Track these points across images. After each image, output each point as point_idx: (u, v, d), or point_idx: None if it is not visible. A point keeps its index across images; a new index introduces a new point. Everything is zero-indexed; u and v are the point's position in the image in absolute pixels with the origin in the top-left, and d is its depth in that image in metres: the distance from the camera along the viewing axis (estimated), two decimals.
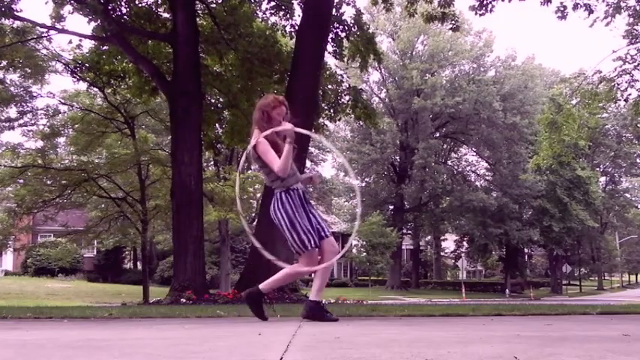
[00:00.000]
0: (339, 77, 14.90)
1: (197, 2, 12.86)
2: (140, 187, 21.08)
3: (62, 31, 12.99)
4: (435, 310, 5.44)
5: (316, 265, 4.09)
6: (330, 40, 12.92)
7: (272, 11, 14.08)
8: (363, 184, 46.67)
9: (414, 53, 42.03)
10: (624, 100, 18.62)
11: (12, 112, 20.41)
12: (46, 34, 15.12)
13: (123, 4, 13.22)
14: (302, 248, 4.02)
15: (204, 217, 12.55)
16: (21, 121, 20.59)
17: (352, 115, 14.87)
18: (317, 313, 4.11)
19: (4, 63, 15.69)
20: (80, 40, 14.76)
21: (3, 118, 20.39)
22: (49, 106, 21.18)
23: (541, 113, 24.33)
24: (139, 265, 34.70)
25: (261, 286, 4.16)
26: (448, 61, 41.06)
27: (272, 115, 4.12)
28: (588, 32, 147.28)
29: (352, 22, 13.55)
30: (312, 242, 4.01)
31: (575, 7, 14.11)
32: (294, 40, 12.97)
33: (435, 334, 3.19)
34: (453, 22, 14.19)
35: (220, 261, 29.55)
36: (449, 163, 46.10)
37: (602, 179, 50.58)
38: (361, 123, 19.64)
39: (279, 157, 3.98)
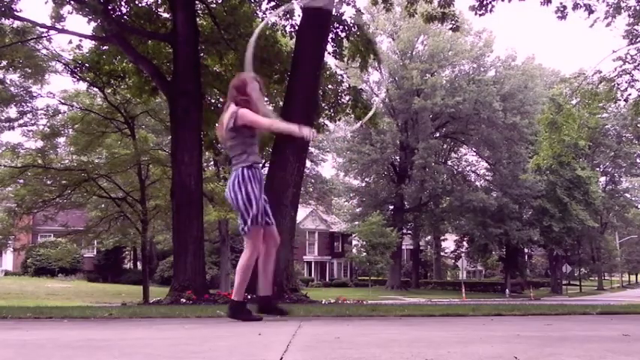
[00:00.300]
0: (339, 77, 14.89)
1: (197, 2, 12.85)
2: (140, 187, 21.09)
3: (62, 31, 12.99)
4: (435, 310, 5.44)
5: (261, 246, 4.10)
6: (330, 40, 12.91)
7: (272, 11, 14.07)
8: (363, 184, 46.69)
9: (414, 53, 42.04)
10: (624, 100, 18.62)
11: (12, 112, 20.43)
12: (46, 34, 15.12)
13: (123, 4, 13.20)
14: (253, 223, 4.02)
15: (204, 217, 12.54)
16: (21, 121, 20.60)
17: (352, 115, 14.86)
18: (239, 313, 4.08)
19: (4, 63, 15.68)
20: (80, 40, 14.76)
21: (3, 118, 20.39)
22: (49, 106, 21.22)
23: (541, 113, 24.33)
24: (139, 265, 34.71)
25: (233, 296, 4.16)
26: (448, 61, 41.07)
27: (247, 90, 4.22)
28: (588, 32, 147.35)
29: (352, 22, 13.54)
30: (262, 220, 4.03)
31: (575, 7, 14.11)
32: (294, 40, 12.97)
33: (435, 334, 3.19)
34: (453, 22, 14.17)
35: (220, 261, 29.58)
36: (449, 163, 46.11)
37: (602, 179, 50.60)
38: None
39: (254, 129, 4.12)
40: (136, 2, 13.54)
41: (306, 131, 4.01)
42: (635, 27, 16.05)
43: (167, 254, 33.36)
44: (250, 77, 4.30)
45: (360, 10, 13.87)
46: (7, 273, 34.96)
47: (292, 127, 4.05)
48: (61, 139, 22.16)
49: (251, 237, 4.08)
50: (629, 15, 15.80)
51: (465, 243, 49.16)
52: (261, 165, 4.22)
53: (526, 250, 51.21)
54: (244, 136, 4.15)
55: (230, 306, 4.18)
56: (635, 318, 4.89)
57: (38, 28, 13.31)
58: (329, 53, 13.46)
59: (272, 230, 4.21)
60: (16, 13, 11.43)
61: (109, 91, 17.99)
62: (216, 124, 4.37)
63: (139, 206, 21.21)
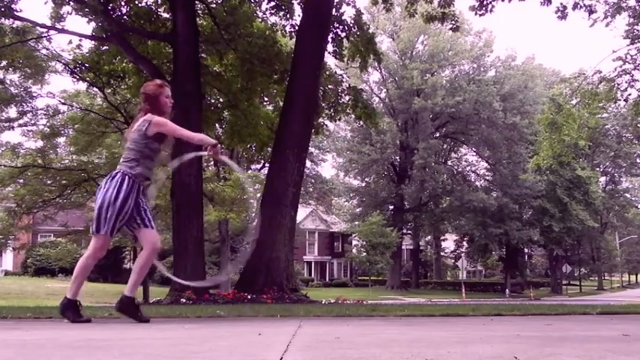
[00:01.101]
0: (339, 77, 14.89)
1: (197, 2, 12.85)
2: None
3: (62, 31, 12.99)
4: (435, 310, 5.44)
5: (102, 253, 4.01)
6: (330, 40, 12.91)
7: (272, 11, 14.08)
8: (363, 184, 46.70)
9: (414, 53, 42.05)
10: (624, 100, 18.64)
11: (12, 112, 20.42)
12: (46, 34, 15.11)
13: (123, 4, 13.21)
14: (99, 228, 3.88)
15: (204, 217, 12.54)
16: (21, 121, 20.58)
17: (352, 115, 14.86)
18: (129, 309, 4.05)
19: (4, 63, 15.68)
20: (80, 40, 14.76)
21: (3, 118, 20.39)
22: (49, 106, 21.19)
23: (541, 113, 24.33)
24: None
25: (69, 296, 4.01)
26: (448, 61, 41.08)
27: (160, 99, 4.23)
28: (588, 32, 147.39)
29: (352, 22, 13.54)
30: (109, 230, 3.87)
31: (575, 7, 14.12)
32: (294, 40, 12.97)
33: (435, 334, 3.19)
34: (453, 22, 14.18)
35: (220, 261, 29.56)
36: (449, 163, 46.12)
37: (602, 179, 50.61)
38: (361, 123, 19.63)
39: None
40: (136, 2, 13.53)
41: (219, 151, 4.10)
42: (635, 27, 16.06)
43: (167, 254, 33.36)
44: (160, 83, 4.33)
45: (360, 10, 13.85)
46: (7, 273, 34.95)
47: (203, 137, 4.15)
48: (61, 139, 22.17)
49: (97, 241, 3.97)
50: (629, 15, 15.81)
51: (465, 243, 49.18)
52: (143, 183, 4.04)
53: (526, 250, 51.23)
54: (147, 146, 4.02)
55: (122, 301, 4.06)
56: (635, 318, 4.89)
57: (38, 28, 13.31)
58: (329, 53, 13.46)
59: (151, 233, 4.01)
60: (16, 13, 11.43)
61: (109, 91, 17.98)
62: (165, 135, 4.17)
63: None
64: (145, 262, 4.08)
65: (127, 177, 3.94)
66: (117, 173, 3.97)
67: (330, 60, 15.73)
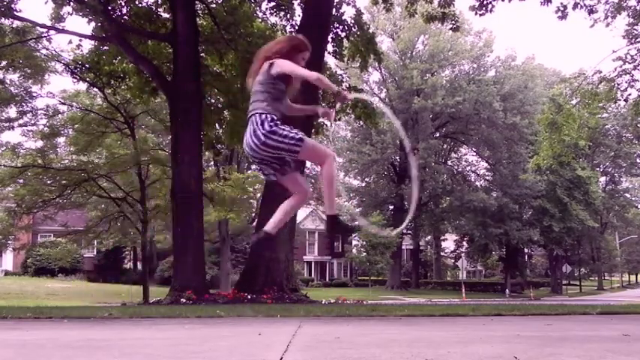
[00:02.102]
0: (339, 77, 14.90)
1: (197, 2, 12.85)
2: (140, 187, 21.08)
3: (62, 31, 13.00)
4: (435, 310, 5.44)
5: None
6: (330, 40, 12.92)
7: (272, 11, 14.08)
8: (363, 184, 46.69)
9: (414, 53, 42.04)
10: (624, 100, 18.63)
11: (12, 112, 20.43)
12: (46, 34, 15.13)
13: (123, 4, 13.21)
14: (298, 143, 3.56)
15: (204, 217, 12.55)
16: (21, 121, 20.60)
17: (352, 115, 14.86)
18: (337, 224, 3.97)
19: (4, 63, 15.68)
20: (80, 40, 14.78)
21: (3, 118, 20.39)
22: (49, 106, 21.20)
23: (541, 113, 24.31)
24: (139, 265, 34.69)
25: (330, 212, 3.90)
26: (448, 61, 41.06)
27: (297, 57, 3.84)
28: (588, 32, 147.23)
29: (352, 22, 13.55)
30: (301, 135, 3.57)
31: (575, 6, 14.12)
32: None
33: (435, 334, 3.19)
34: (453, 22, 14.19)
35: (220, 261, 29.55)
36: (449, 163, 46.10)
37: (602, 179, 50.57)
38: (361, 123, 19.63)
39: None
40: (136, 2, 13.54)
41: (345, 93, 3.79)
42: (635, 27, 16.05)
43: (167, 254, 33.36)
44: (307, 44, 3.89)
45: (360, 10, 13.86)
46: (7, 273, 34.93)
47: (333, 87, 3.72)
48: (61, 139, 22.18)
49: (309, 154, 3.73)
50: (628, 15, 15.80)
51: (465, 243, 49.14)
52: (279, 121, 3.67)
53: (526, 250, 51.20)
54: (274, 87, 3.71)
55: (331, 220, 3.89)
56: (635, 318, 4.89)
57: (38, 28, 13.32)
58: (329, 53, 13.47)
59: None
60: (16, 13, 11.44)
61: (109, 91, 17.99)
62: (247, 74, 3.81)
63: (138, 206, 21.20)
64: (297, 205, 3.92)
65: (266, 115, 3.61)
66: (255, 117, 3.63)
67: (330, 60, 15.73)
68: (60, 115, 21.43)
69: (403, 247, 46.61)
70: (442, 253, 55.02)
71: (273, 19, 14.32)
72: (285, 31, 13.97)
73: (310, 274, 49.99)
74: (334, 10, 12.84)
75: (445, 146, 45.44)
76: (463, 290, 36.19)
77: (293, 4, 13.80)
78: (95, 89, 19.43)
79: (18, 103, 19.61)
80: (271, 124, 3.56)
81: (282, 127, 3.58)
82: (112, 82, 16.02)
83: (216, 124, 16.09)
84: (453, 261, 54.30)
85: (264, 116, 3.60)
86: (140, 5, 13.67)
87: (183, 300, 9.33)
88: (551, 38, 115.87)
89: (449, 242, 53.35)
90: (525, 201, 40.33)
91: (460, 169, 46.47)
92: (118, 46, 12.37)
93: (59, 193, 20.90)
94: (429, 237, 54.07)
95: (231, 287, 19.26)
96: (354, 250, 45.62)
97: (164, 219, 22.81)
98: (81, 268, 35.31)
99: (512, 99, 39.31)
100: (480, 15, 13.56)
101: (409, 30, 40.05)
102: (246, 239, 33.42)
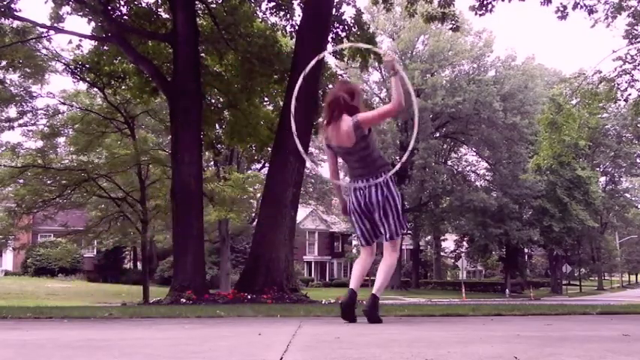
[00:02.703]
0: (339, 77, 14.89)
1: (197, 2, 12.85)
2: (140, 187, 21.09)
3: (62, 31, 13.00)
4: (435, 310, 5.44)
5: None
6: (330, 40, 12.91)
7: (272, 11, 14.08)
8: None
9: (414, 53, 42.04)
10: (624, 100, 18.63)
11: (12, 112, 20.43)
12: (46, 34, 15.13)
13: (123, 4, 13.22)
14: (402, 229, 4.09)
15: (204, 217, 12.55)
16: (21, 121, 20.60)
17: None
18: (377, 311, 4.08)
19: (4, 63, 15.68)
20: (80, 40, 14.78)
21: (3, 118, 20.39)
22: (49, 106, 21.21)
23: (541, 113, 24.32)
24: (139, 265, 34.71)
25: (374, 291, 3.98)
26: (448, 61, 41.06)
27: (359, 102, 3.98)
28: (588, 32, 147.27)
29: (352, 22, 13.54)
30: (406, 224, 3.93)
31: (575, 7, 14.11)
32: (294, 40, 12.97)
33: (435, 334, 3.19)
34: (453, 22, 14.17)
35: (220, 261, 29.56)
36: (449, 163, 46.09)
37: (602, 179, 50.58)
38: None
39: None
40: (136, 2, 13.55)
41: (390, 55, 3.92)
42: (635, 27, 16.05)
43: (167, 254, 33.37)
44: (359, 88, 4.09)
45: (360, 10, 13.84)
46: (7, 273, 34.94)
47: (392, 69, 3.76)
48: (61, 139, 22.19)
49: (397, 242, 4.19)
50: (628, 15, 15.80)
51: (465, 243, 49.15)
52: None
53: (526, 250, 51.20)
54: (372, 139, 3.94)
55: (371, 304, 3.91)
56: (635, 318, 4.89)
57: (38, 28, 13.32)
58: (329, 53, 13.45)
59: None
60: (16, 13, 11.43)
61: (109, 91, 18.00)
62: (331, 136, 3.90)
63: (138, 206, 21.21)
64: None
65: (389, 176, 4.03)
66: (380, 181, 4.01)
67: (330, 60, 15.75)
68: (60, 115, 21.44)
69: (403, 247, 46.60)
70: (442, 253, 55.02)
71: (273, 19, 14.33)
72: (285, 31, 13.97)
73: (310, 274, 49.99)
74: (334, 10, 12.83)
75: (445, 146, 45.43)
76: (463, 290, 36.20)
77: (293, 4, 13.79)
78: (95, 89, 19.44)
79: (18, 103, 19.61)
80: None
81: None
82: (112, 82, 16.01)
83: (216, 124, 16.10)
84: (453, 261, 54.30)
85: (390, 179, 4.04)
86: (140, 5, 13.68)
87: (183, 300, 9.32)
88: (551, 38, 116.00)
89: (449, 242, 53.35)
90: (525, 201, 40.32)
91: (460, 169, 46.46)
92: (118, 46, 12.37)
93: (59, 193, 20.91)
94: (429, 237, 54.07)
95: (231, 287, 19.26)
96: (354, 250, 45.63)
97: (164, 219, 22.82)
98: (81, 268, 35.32)
99: (512, 99, 39.31)
100: (480, 15, 13.55)
101: (409, 30, 40.05)
102: (246, 239, 33.42)
